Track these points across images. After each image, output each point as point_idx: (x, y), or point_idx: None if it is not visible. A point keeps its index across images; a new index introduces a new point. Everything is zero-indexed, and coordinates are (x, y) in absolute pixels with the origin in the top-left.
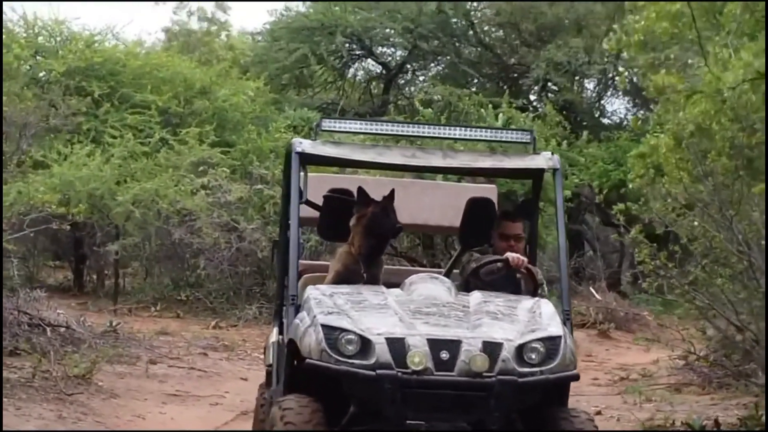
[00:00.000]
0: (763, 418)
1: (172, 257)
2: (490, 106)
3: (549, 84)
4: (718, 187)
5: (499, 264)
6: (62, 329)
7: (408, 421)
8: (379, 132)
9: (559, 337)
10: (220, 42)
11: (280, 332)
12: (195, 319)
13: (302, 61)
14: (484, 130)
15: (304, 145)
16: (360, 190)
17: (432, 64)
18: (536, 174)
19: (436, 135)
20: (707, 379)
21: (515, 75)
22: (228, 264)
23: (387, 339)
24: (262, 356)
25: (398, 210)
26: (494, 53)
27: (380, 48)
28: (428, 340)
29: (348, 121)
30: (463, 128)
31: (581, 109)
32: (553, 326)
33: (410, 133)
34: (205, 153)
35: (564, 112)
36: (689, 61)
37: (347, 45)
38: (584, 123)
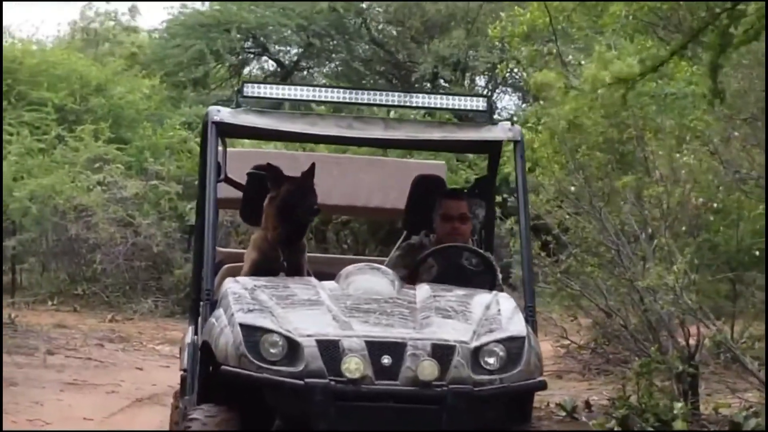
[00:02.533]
0: (631, 398)
1: (68, 252)
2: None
3: (440, 80)
4: (590, 180)
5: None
6: None
7: None
8: (313, 99)
9: (523, 337)
10: (124, 40)
11: (196, 332)
12: (92, 313)
13: (198, 58)
14: (430, 96)
15: (222, 113)
16: (270, 165)
17: (326, 62)
18: (493, 147)
19: (376, 102)
20: (587, 366)
21: (406, 72)
22: (124, 259)
23: (318, 341)
24: (157, 347)
25: (333, 190)
26: (386, 50)
27: (275, 46)
28: (367, 342)
29: (276, 86)
30: (406, 95)
31: None
32: (515, 325)
33: (346, 100)
34: (100, 150)
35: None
36: (569, 57)
37: (243, 42)
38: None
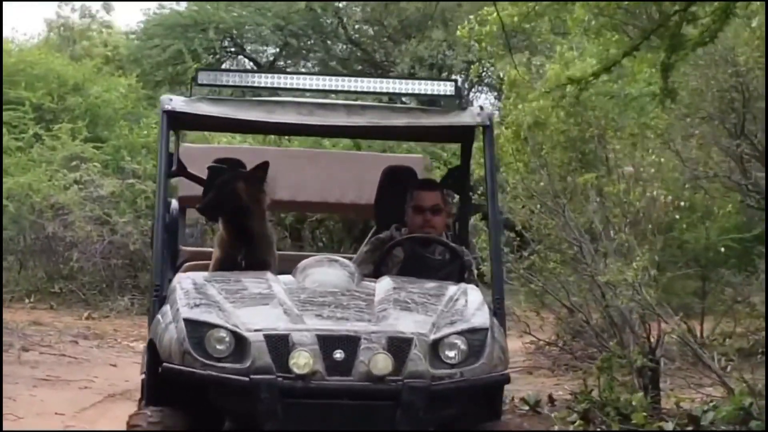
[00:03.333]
0: (593, 392)
1: (45, 250)
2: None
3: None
4: (553, 177)
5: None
6: None
7: None
8: (273, 86)
9: (485, 329)
10: (98, 38)
11: None
12: (68, 311)
13: (176, 57)
14: (397, 81)
15: (174, 102)
16: (218, 159)
17: (303, 62)
18: (464, 135)
19: (339, 88)
20: (556, 363)
21: (383, 71)
22: (100, 257)
23: (266, 336)
24: (131, 344)
25: (306, 186)
26: (363, 50)
27: (252, 45)
28: (318, 336)
29: (233, 73)
30: (372, 80)
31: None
32: (479, 317)
33: (308, 86)
34: (77, 148)
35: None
36: (536, 58)
37: (220, 42)
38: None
